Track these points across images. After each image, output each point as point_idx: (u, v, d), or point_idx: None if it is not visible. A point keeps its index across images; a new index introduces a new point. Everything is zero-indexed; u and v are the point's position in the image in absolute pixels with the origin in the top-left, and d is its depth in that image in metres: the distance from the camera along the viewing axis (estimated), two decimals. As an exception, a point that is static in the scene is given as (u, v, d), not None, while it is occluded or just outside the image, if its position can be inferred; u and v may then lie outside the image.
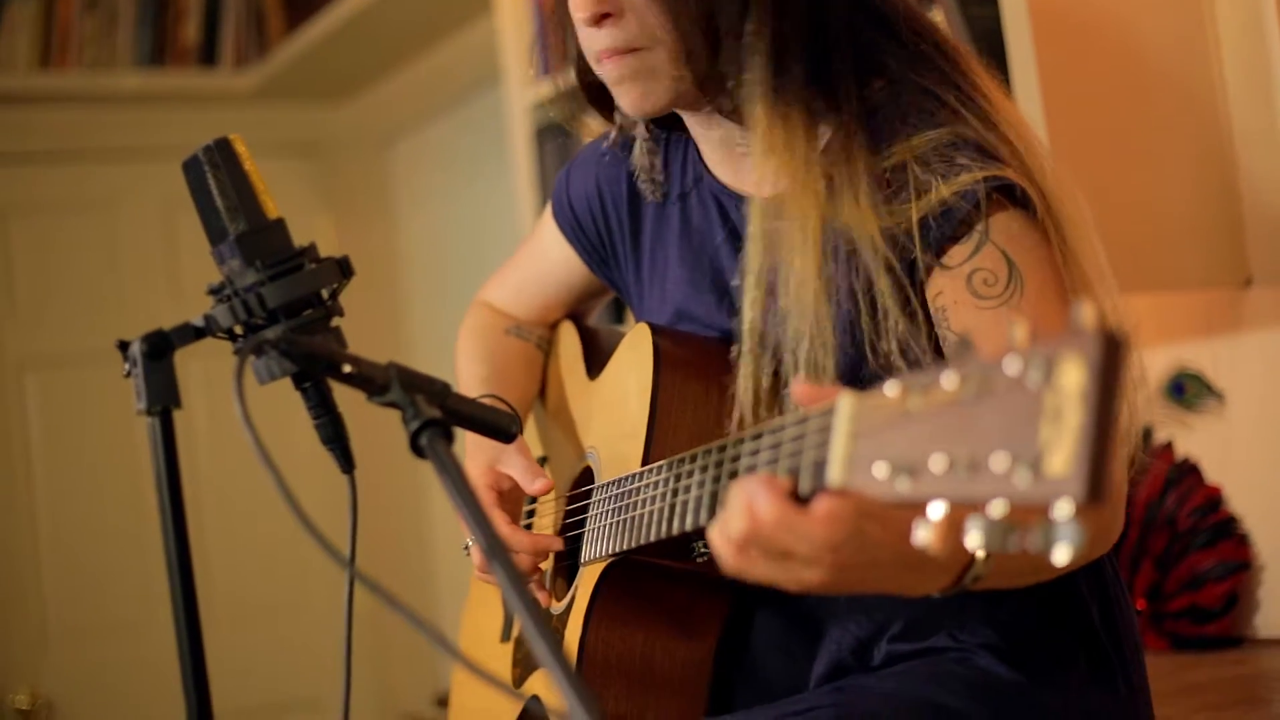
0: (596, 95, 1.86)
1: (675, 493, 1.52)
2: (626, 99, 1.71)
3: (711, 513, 1.42)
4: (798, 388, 1.23)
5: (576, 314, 2.24)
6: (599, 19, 1.66)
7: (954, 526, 1.01)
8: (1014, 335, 0.99)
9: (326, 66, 4.94)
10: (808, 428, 1.20)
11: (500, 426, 1.46)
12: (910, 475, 1.03)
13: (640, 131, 1.93)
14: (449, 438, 1.31)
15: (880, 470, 1.06)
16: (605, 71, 1.70)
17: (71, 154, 5.01)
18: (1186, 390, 2.62)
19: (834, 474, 1.12)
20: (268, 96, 5.18)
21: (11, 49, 4.83)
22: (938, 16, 2.49)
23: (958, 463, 0.99)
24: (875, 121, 1.67)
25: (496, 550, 1.21)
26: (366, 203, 5.43)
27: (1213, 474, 2.58)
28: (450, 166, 5.04)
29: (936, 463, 1.00)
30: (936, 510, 1.02)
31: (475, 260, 4.86)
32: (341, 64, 4.95)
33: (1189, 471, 2.60)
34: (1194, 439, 2.61)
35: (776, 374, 1.68)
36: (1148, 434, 2.65)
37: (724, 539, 1.25)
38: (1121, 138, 2.37)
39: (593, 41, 1.69)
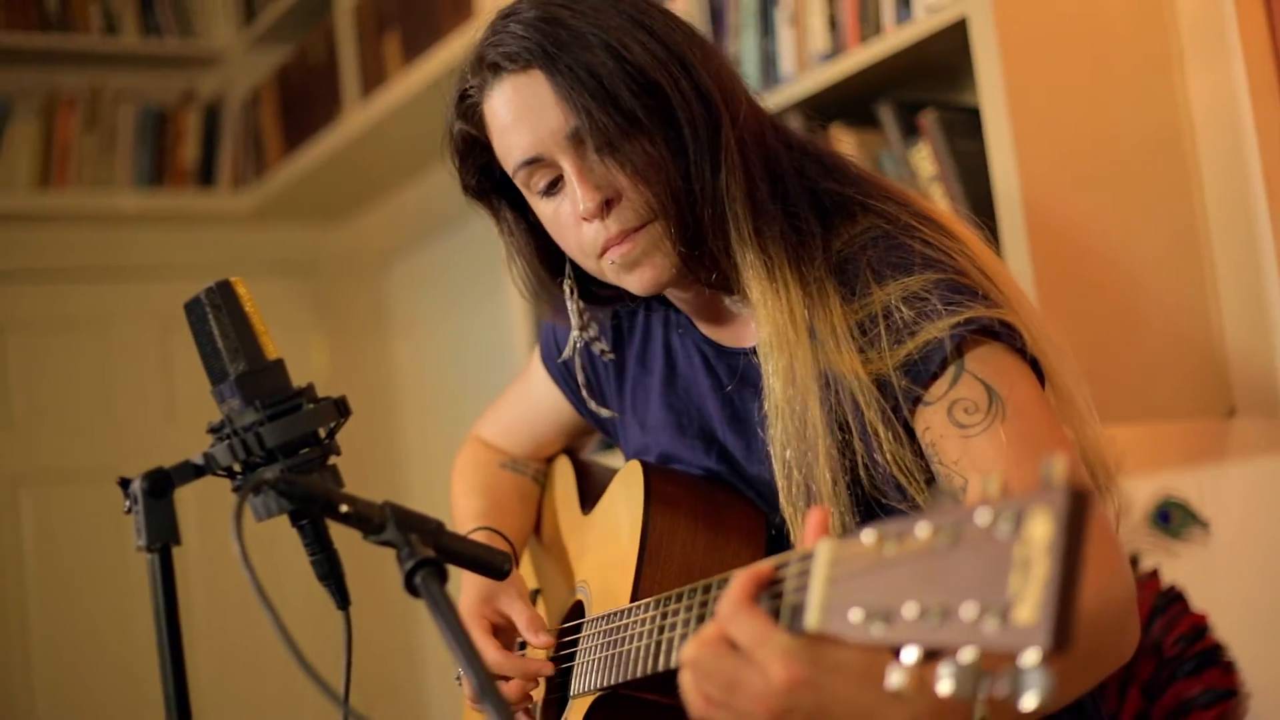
0: (590, 296, 1.92)
1: (663, 629, 1.55)
2: (643, 277, 1.75)
3: None
4: (813, 514, 1.25)
5: (571, 448, 2.29)
6: (603, 207, 1.71)
7: (926, 672, 1.03)
8: (987, 487, 1.02)
9: (323, 188, 4.99)
10: (788, 572, 1.22)
11: (494, 564, 1.49)
12: (884, 621, 1.05)
13: (593, 330, 1.97)
14: (443, 577, 1.33)
15: (855, 616, 1.08)
16: (616, 259, 1.74)
17: (69, 272, 5.06)
18: (1172, 519, 2.64)
19: (811, 619, 1.14)
20: (265, 217, 5.23)
21: (11, 168, 4.89)
22: (925, 151, 2.54)
23: (930, 610, 1.01)
24: (847, 272, 1.73)
25: (488, 690, 1.23)
26: (361, 323, 5.46)
27: (1198, 601, 2.58)
28: (444, 289, 5.08)
29: (910, 609, 1.03)
30: (909, 655, 1.04)
31: (468, 381, 4.88)
32: (338, 186, 5.00)
33: (1175, 599, 2.60)
34: (1179, 567, 2.62)
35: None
36: (1134, 561, 2.66)
37: (695, 639, 1.26)
38: (1108, 276, 2.40)
39: (599, 235, 1.73)
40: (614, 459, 2.22)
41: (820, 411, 1.67)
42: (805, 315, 1.70)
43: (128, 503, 1.46)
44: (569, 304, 1.90)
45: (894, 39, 2.57)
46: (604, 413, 2.07)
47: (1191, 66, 2.51)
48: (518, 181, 1.78)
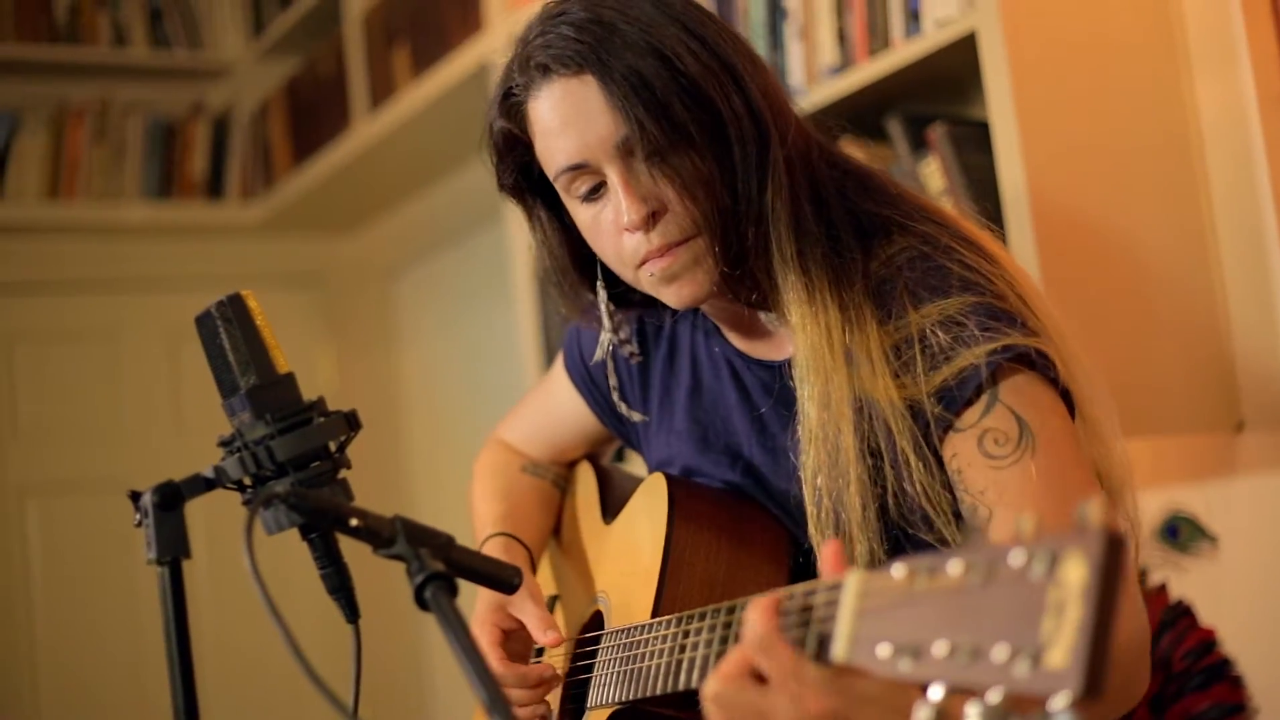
0: (619, 298, 1.90)
1: (683, 648, 1.54)
2: (680, 292, 1.73)
3: None
4: (828, 547, 1.25)
5: (594, 454, 2.28)
6: (648, 219, 1.68)
7: (953, 710, 1.03)
8: (1021, 527, 1.01)
9: (332, 200, 5.00)
10: (816, 600, 1.21)
11: (504, 579, 1.49)
12: (913, 657, 1.05)
13: (624, 333, 1.97)
14: (453, 591, 1.33)
15: (884, 650, 1.08)
16: (656, 271, 1.72)
17: (78, 283, 5.06)
18: (1180, 533, 2.64)
19: (839, 650, 1.14)
20: (273, 229, 5.24)
21: (21, 180, 4.89)
22: (934, 164, 2.54)
23: (960, 649, 1.01)
24: (884, 293, 1.71)
25: (498, 706, 1.23)
26: (369, 335, 5.46)
27: (1207, 616, 2.58)
28: (452, 301, 5.08)
29: (939, 647, 1.02)
30: (936, 692, 1.03)
31: (475, 393, 4.88)
32: (347, 198, 5.00)
33: (1183, 614, 2.60)
34: (1188, 581, 2.62)
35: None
36: (1142, 576, 2.66)
37: (719, 672, 1.25)
38: (1117, 289, 2.40)
39: (640, 246, 1.70)
40: (635, 466, 2.22)
41: (853, 438, 1.66)
42: (843, 339, 1.68)
43: (138, 515, 1.46)
44: (601, 306, 1.88)
45: (903, 52, 2.57)
46: (635, 417, 2.04)
47: (1200, 78, 2.51)
48: (558, 185, 1.76)
